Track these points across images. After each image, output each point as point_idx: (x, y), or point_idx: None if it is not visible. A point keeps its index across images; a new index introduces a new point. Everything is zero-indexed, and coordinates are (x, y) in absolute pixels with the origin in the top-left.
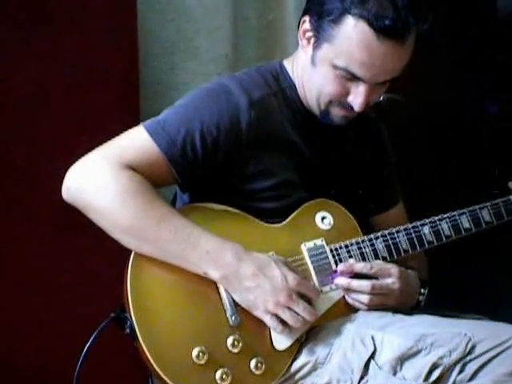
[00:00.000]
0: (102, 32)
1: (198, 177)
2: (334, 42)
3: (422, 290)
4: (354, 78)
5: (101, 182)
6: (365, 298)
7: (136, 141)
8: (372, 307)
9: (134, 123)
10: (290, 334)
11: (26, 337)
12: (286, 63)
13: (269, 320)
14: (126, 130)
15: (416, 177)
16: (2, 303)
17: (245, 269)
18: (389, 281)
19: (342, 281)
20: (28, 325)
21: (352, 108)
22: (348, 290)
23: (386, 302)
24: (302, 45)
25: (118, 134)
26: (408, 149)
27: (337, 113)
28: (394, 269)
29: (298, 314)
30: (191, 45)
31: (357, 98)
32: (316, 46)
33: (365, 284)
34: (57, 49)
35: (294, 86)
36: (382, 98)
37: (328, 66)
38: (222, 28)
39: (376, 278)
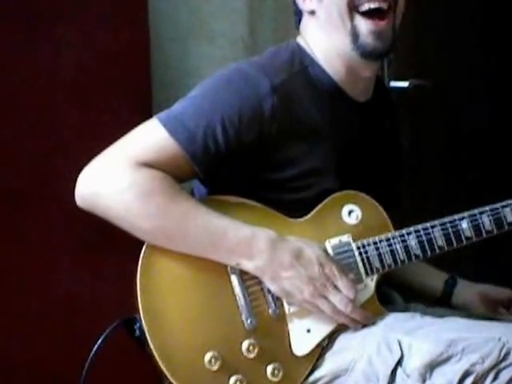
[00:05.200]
0: (113, 15)
1: (221, 170)
2: None
3: None
4: None
5: (117, 186)
6: None
7: (152, 137)
8: None
9: (145, 111)
10: (311, 338)
11: (32, 341)
12: (300, 40)
13: (310, 308)
14: (137, 117)
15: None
16: (6, 307)
17: (281, 258)
18: None
19: None
20: (34, 327)
21: (376, 13)
22: None
23: None
24: (304, 8)
25: (129, 123)
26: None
27: (364, 27)
28: None
29: (335, 305)
30: (206, 28)
31: None
32: None
33: None
34: (66, 33)
35: (316, 61)
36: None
37: None
38: (238, 10)
39: None
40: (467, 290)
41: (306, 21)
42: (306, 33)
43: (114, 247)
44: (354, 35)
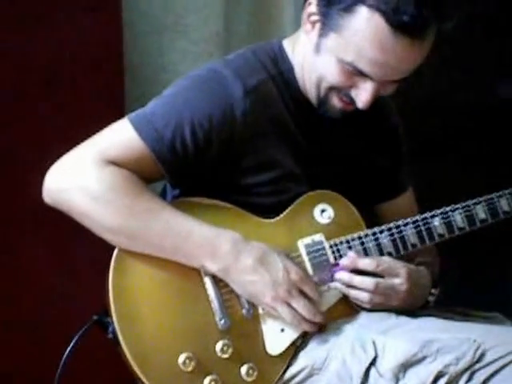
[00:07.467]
0: (85, 9)
1: (189, 173)
2: (343, 34)
3: (433, 291)
4: (361, 73)
5: (82, 182)
6: (366, 297)
7: (120, 136)
8: (373, 306)
9: (119, 108)
10: (285, 338)
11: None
12: (286, 44)
13: (272, 311)
14: (110, 115)
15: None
16: None
17: (244, 261)
18: (396, 281)
19: (343, 275)
20: (7, 326)
21: (353, 102)
22: (349, 285)
23: (389, 303)
24: (305, 29)
25: (102, 121)
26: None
27: (335, 103)
28: (403, 269)
29: (296, 311)
30: (180, 22)
31: (362, 94)
32: (322, 34)
33: (368, 282)
34: (38, 28)
35: (293, 69)
36: None
37: (333, 58)
38: (213, 3)
39: (382, 276)
40: None
41: (301, 33)
42: (297, 40)
43: (87, 242)
44: (323, 102)
